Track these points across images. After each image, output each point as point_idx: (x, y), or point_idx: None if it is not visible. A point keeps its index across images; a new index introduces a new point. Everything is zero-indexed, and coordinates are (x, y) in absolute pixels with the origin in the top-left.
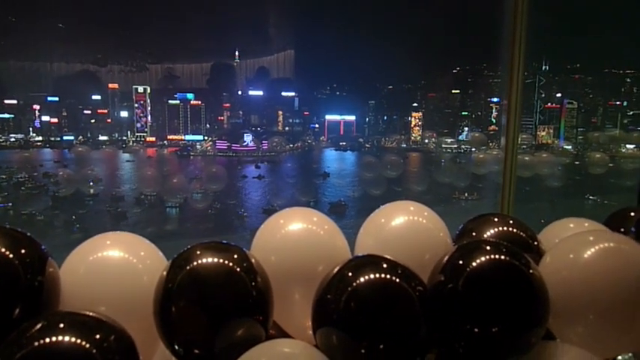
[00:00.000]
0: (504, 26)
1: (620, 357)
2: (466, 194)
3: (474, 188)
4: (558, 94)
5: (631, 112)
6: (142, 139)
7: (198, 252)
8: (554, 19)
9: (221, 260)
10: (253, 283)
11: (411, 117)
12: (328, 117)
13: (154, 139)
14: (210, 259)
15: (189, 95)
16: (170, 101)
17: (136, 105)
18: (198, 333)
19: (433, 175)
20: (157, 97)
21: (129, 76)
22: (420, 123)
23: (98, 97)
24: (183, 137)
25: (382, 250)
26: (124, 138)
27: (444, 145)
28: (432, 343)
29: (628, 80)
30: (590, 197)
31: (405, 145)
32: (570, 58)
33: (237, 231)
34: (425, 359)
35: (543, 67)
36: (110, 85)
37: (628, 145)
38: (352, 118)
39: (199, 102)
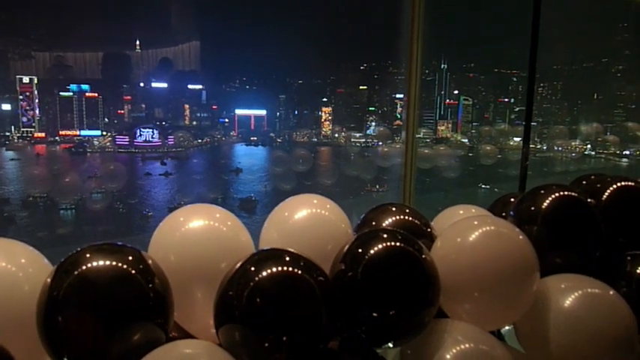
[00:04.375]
0: (404, 26)
1: (504, 328)
2: (377, 186)
3: (383, 180)
4: (456, 91)
5: (517, 109)
6: (29, 134)
7: (88, 255)
8: (451, 21)
9: (113, 262)
10: (150, 285)
11: (321, 112)
12: (238, 111)
13: (43, 134)
14: (100, 262)
15: (85, 86)
16: (62, 93)
17: (21, 97)
18: (89, 342)
19: (342, 169)
20: (45, 88)
21: (10, 64)
22: (329, 118)
23: None
24: (78, 132)
25: (286, 244)
26: (7, 134)
27: (353, 140)
28: (335, 330)
29: (514, 79)
30: (483, 186)
31: (316, 140)
32: (466, 58)
33: (142, 232)
34: (328, 347)
35: (442, 66)
36: None
37: (515, 138)
38: (263, 112)
39: (96, 94)
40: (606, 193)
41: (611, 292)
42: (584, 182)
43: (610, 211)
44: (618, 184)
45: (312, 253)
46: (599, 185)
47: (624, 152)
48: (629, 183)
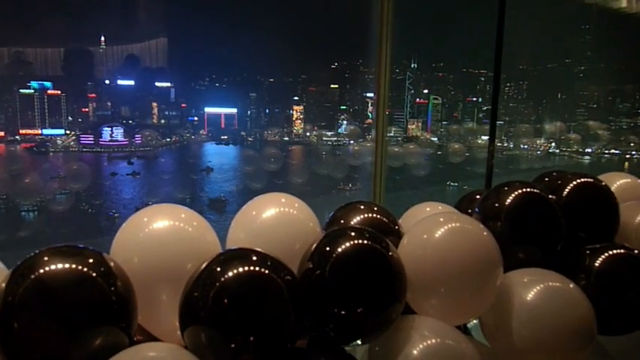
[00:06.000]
0: (374, 25)
1: (470, 323)
2: (350, 185)
3: (354, 179)
4: (425, 91)
5: (485, 108)
6: None
7: (46, 258)
8: (420, 21)
9: (72, 265)
10: (112, 288)
11: (293, 110)
12: (208, 110)
13: (2, 133)
14: (59, 265)
15: (47, 84)
16: (22, 90)
17: None
18: (48, 349)
19: (313, 167)
20: (4, 85)
21: None
22: (301, 116)
23: None
24: (39, 131)
25: (253, 243)
26: None
27: (324, 138)
28: (303, 329)
29: (482, 79)
30: (451, 184)
31: (287, 138)
32: (435, 58)
33: (107, 233)
34: (296, 346)
35: (412, 65)
36: None
37: (483, 137)
38: (234, 111)
39: (59, 92)
40: (567, 190)
41: (571, 286)
42: (546, 179)
43: (570, 206)
44: (578, 181)
45: (280, 252)
46: (560, 182)
47: (586, 150)
48: (589, 179)
